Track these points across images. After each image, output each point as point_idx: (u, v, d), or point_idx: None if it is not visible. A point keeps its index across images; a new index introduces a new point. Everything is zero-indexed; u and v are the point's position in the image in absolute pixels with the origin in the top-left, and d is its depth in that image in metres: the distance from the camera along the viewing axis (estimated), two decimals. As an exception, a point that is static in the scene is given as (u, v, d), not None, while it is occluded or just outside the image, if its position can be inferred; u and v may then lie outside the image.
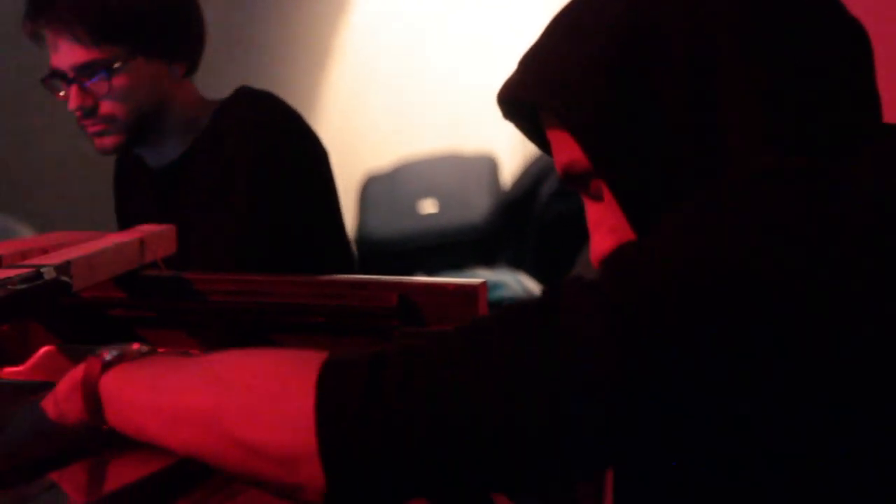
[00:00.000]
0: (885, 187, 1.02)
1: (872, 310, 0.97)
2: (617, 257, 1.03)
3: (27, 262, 1.58)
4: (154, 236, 1.92)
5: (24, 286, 1.45)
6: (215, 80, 2.58)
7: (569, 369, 0.96)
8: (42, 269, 1.50)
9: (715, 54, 1.09)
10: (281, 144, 2.35)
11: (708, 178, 1.07)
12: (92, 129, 2.32)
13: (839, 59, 1.11)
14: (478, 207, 4.92)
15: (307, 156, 2.40)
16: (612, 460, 1.06)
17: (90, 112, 2.31)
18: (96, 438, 1.19)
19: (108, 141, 2.33)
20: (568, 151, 1.15)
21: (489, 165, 5.02)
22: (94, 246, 1.74)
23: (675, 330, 0.96)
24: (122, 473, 1.25)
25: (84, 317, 1.91)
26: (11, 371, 1.76)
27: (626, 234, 1.13)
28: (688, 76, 1.09)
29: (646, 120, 1.09)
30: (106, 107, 2.30)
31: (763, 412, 0.99)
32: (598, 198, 1.17)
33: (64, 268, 1.55)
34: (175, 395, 1.08)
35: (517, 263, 4.59)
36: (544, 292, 1.02)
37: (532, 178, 4.69)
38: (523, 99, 1.16)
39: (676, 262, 0.99)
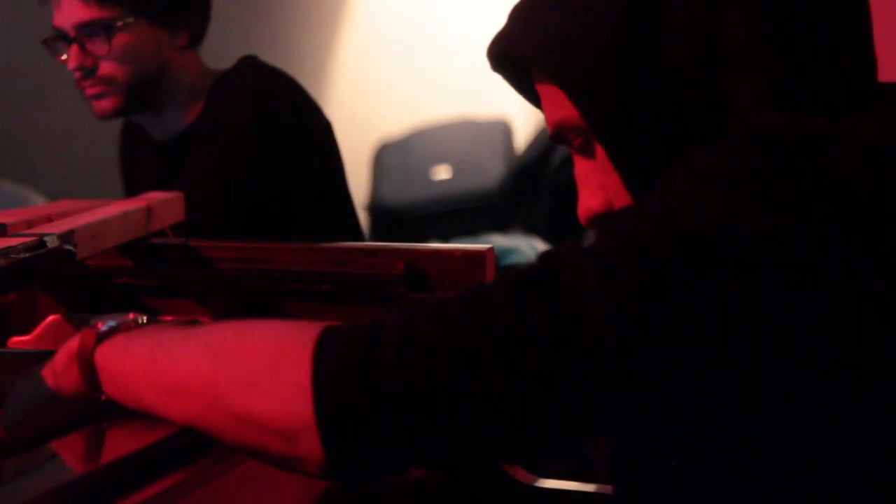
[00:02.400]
0: (885, 145, 1.01)
1: (870, 266, 0.96)
2: (612, 221, 1.02)
3: (32, 230, 1.58)
4: (161, 204, 1.92)
5: (27, 255, 1.45)
6: (223, 47, 2.56)
7: (565, 334, 0.95)
8: (45, 238, 1.50)
9: (716, 10, 1.07)
10: (275, 114, 2.33)
11: (705, 138, 1.05)
12: (90, 91, 2.32)
13: (840, 18, 1.09)
14: (491, 173, 4.90)
15: (304, 127, 2.39)
16: (611, 426, 1.05)
17: (89, 72, 2.30)
18: (94, 408, 1.18)
19: (106, 104, 2.33)
20: (560, 108, 1.13)
21: (503, 131, 4.99)
22: (99, 214, 1.74)
23: (669, 294, 0.95)
24: (122, 443, 1.24)
25: (91, 285, 1.91)
26: (18, 340, 1.76)
27: (616, 191, 1.12)
28: (688, 34, 1.07)
29: (642, 79, 1.07)
30: (105, 67, 2.30)
31: (761, 376, 0.98)
32: (589, 154, 1.15)
33: (67, 236, 1.54)
34: (172, 367, 1.08)
35: (531, 229, 4.57)
36: (540, 257, 1.01)
37: (545, 144, 4.66)
38: (514, 53, 1.14)
39: (671, 226, 0.97)
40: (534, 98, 1.18)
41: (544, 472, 1.61)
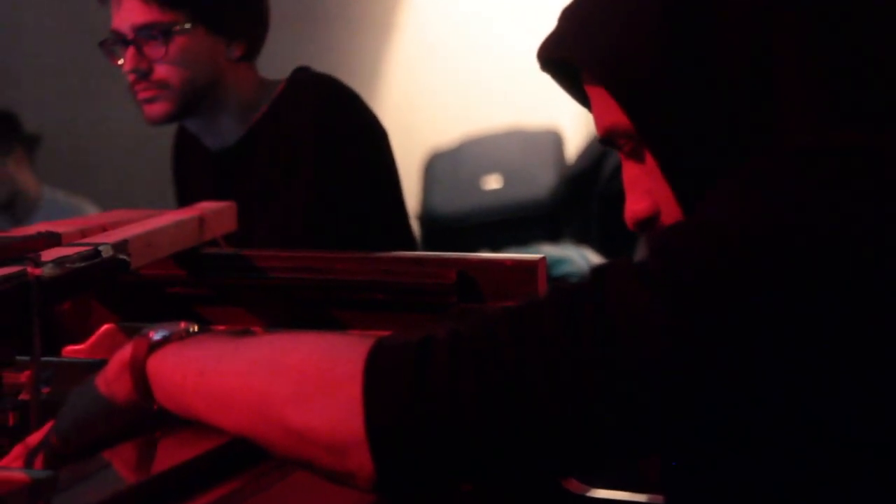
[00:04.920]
0: None
1: None
2: (663, 238, 1.01)
3: (86, 240, 1.59)
4: (213, 213, 1.93)
5: (82, 264, 1.45)
6: (276, 56, 2.57)
7: (616, 352, 0.95)
8: (100, 248, 1.51)
9: (769, 25, 1.06)
10: (342, 128, 2.36)
11: (755, 151, 1.04)
12: (143, 95, 2.34)
13: (892, 33, 1.07)
14: (542, 183, 4.89)
15: (367, 137, 2.41)
16: (661, 443, 1.04)
17: (143, 75, 2.32)
18: (147, 418, 1.19)
19: (158, 108, 2.34)
20: (610, 114, 1.12)
21: (553, 140, 4.98)
22: (153, 224, 1.75)
23: (722, 311, 0.95)
24: (175, 452, 1.25)
25: (144, 294, 1.92)
26: (73, 349, 1.77)
27: (664, 197, 1.11)
28: (740, 47, 1.06)
29: (695, 87, 1.06)
30: (160, 71, 2.32)
31: (810, 397, 0.97)
32: (638, 159, 1.14)
33: (121, 246, 1.55)
34: (224, 379, 1.08)
35: (582, 238, 4.56)
36: (591, 273, 1.00)
37: (596, 153, 4.65)
38: (565, 58, 1.14)
39: (723, 243, 0.97)
40: (583, 100, 1.17)
41: (596, 482, 1.61)
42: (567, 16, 1.14)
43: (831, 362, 0.96)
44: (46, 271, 1.36)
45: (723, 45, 1.06)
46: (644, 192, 1.13)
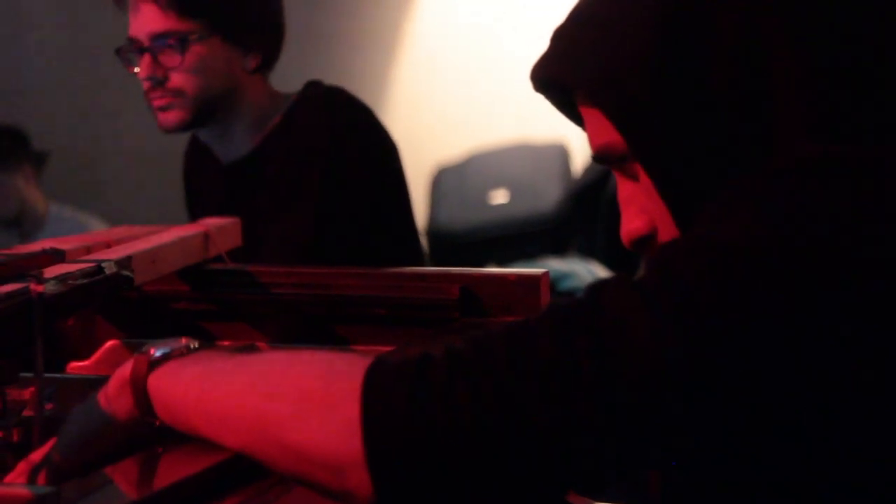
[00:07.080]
0: None
1: None
2: (661, 255, 1.01)
3: (91, 256, 1.59)
4: (218, 230, 1.93)
5: (84, 281, 1.46)
6: (284, 71, 2.58)
7: (611, 369, 0.95)
8: (103, 264, 1.51)
9: (762, 41, 1.06)
10: (353, 141, 2.37)
11: (751, 166, 1.04)
12: (158, 103, 2.34)
13: (890, 47, 1.08)
14: (549, 197, 4.89)
15: (378, 151, 2.42)
16: (659, 458, 1.04)
17: (159, 83, 2.33)
18: (149, 433, 1.19)
19: (172, 116, 2.34)
20: (604, 133, 1.12)
21: (560, 154, 4.98)
22: (157, 240, 1.76)
23: (719, 329, 0.95)
24: (176, 468, 1.25)
25: (149, 310, 1.92)
26: (77, 366, 1.78)
27: (660, 214, 1.11)
28: (734, 65, 1.06)
29: (689, 104, 1.06)
30: (176, 79, 2.32)
31: (808, 409, 0.97)
32: (632, 177, 1.14)
33: (125, 262, 1.56)
34: (223, 397, 1.08)
35: (588, 252, 4.56)
36: (587, 291, 1.01)
37: (602, 167, 4.65)
38: (558, 79, 1.14)
39: (719, 260, 0.97)
40: (577, 119, 1.18)
41: (599, 495, 1.60)
42: (559, 36, 1.14)
43: (831, 373, 0.96)
44: (48, 288, 1.36)
45: (717, 62, 1.06)
46: (639, 210, 1.13)
